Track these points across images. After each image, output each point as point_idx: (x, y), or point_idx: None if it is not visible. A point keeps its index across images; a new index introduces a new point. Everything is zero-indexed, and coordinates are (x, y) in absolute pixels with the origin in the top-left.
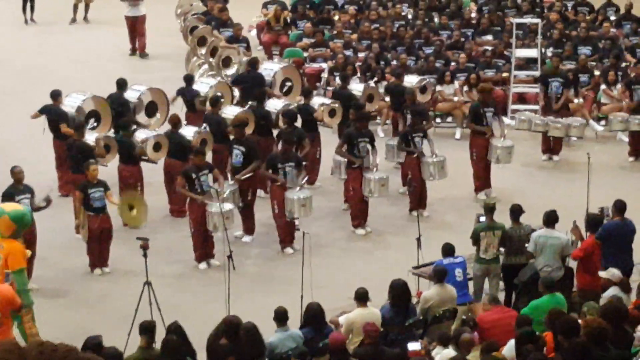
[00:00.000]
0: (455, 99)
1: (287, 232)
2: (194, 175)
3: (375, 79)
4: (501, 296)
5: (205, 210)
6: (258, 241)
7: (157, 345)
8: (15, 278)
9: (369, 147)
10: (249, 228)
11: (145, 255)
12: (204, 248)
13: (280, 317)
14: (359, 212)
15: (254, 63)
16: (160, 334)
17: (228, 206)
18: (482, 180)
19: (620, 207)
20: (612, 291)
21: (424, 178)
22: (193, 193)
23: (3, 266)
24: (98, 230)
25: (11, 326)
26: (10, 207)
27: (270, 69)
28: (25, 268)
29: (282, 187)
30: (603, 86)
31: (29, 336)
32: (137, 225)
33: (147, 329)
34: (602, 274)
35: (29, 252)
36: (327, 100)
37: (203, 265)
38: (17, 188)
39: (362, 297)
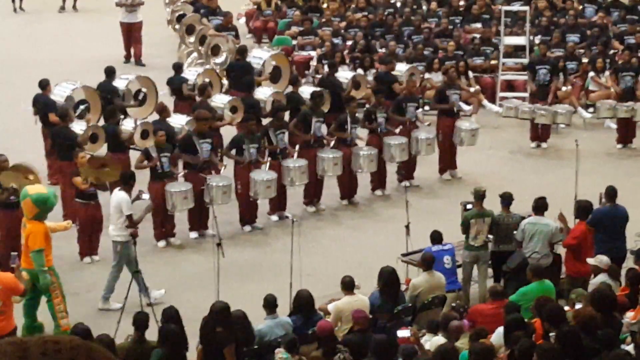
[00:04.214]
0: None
1: (247, 211)
2: (154, 155)
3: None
4: (489, 283)
5: (164, 190)
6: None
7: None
8: (34, 257)
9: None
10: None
11: (134, 244)
12: (163, 227)
13: (270, 304)
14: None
15: (242, 51)
16: (151, 324)
17: (186, 185)
18: (446, 161)
19: (611, 193)
20: (601, 278)
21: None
22: (154, 174)
23: (26, 245)
24: (89, 219)
25: (12, 313)
26: (34, 190)
27: (259, 57)
28: (44, 249)
29: (247, 168)
30: (591, 73)
31: (57, 312)
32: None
33: (140, 323)
34: (590, 260)
35: (69, 224)
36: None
37: (162, 244)
38: None
39: (348, 286)
